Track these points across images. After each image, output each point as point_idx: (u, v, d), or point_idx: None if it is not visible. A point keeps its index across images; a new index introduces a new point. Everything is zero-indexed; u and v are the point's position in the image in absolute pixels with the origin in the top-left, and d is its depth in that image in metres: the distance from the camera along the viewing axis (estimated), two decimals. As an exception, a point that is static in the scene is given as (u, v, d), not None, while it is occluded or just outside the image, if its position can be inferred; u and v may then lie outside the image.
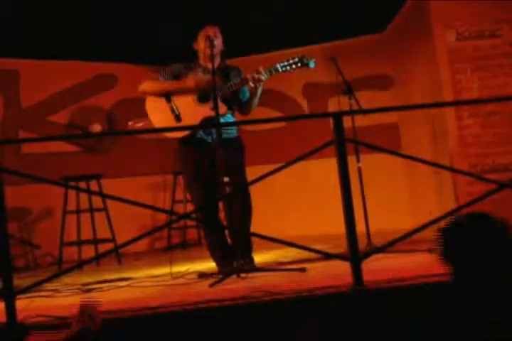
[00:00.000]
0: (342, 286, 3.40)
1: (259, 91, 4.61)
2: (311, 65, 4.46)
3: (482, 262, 2.32)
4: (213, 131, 4.48)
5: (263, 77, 4.43)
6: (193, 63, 4.78)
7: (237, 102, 4.72)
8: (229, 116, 4.68)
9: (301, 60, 4.45)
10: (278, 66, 4.44)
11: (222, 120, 4.54)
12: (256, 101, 4.69)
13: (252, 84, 4.48)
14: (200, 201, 4.72)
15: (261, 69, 4.43)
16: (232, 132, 4.70)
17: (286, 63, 4.44)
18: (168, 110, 4.63)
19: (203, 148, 4.57)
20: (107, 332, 3.11)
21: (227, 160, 4.37)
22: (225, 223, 4.53)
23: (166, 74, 4.75)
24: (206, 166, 4.57)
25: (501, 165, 5.70)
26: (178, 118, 4.59)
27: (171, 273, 4.60)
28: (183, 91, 4.61)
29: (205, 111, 4.49)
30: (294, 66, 4.45)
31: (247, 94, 4.69)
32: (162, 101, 4.66)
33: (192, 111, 4.57)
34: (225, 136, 4.56)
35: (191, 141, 4.62)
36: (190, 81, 4.59)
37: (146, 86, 4.72)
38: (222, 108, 4.49)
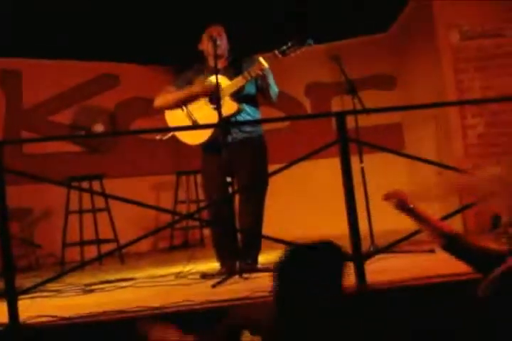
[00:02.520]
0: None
1: (270, 79, 4.57)
2: (309, 42, 4.41)
3: None
4: (231, 130, 4.46)
5: (263, 65, 4.39)
6: (202, 65, 4.77)
7: (258, 92, 4.69)
8: (249, 111, 4.62)
9: (298, 41, 4.40)
10: (276, 52, 4.40)
11: (239, 117, 4.53)
12: (274, 89, 4.63)
13: (254, 75, 4.44)
14: (212, 200, 4.71)
15: (260, 58, 4.41)
16: (253, 130, 4.64)
17: (284, 47, 4.40)
18: (185, 118, 4.63)
19: (222, 149, 4.51)
20: (108, 332, 3.11)
21: (243, 160, 4.37)
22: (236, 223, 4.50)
23: (179, 82, 4.75)
24: (224, 166, 4.51)
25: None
26: (196, 123, 4.59)
27: (179, 273, 4.61)
28: (195, 98, 4.61)
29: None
30: (292, 49, 4.38)
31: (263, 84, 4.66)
32: (178, 110, 4.67)
33: (207, 114, 4.55)
34: (245, 135, 4.55)
35: (212, 145, 4.59)
36: (196, 87, 4.59)
37: (159, 102, 4.74)
38: (233, 106, 4.47)
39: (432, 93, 6.37)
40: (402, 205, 2.99)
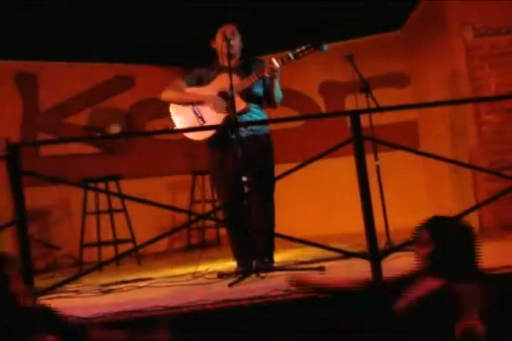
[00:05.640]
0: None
1: (276, 82, 4.58)
2: (325, 47, 4.40)
3: None
4: (239, 128, 4.48)
5: (275, 66, 4.40)
6: (213, 63, 4.79)
7: (265, 96, 4.71)
8: (256, 111, 4.64)
9: (313, 45, 4.40)
10: (290, 54, 4.40)
11: (246, 116, 4.55)
12: (278, 93, 4.66)
13: (267, 75, 4.46)
14: (224, 199, 4.73)
15: (273, 59, 4.42)
16: (259, 129, 4.65)
17: (298, 50, 4.40)
18: (191, 112, 4.65)
19: (228, 146, 4.53)
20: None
21: (249, 159, 4.38)
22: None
23: (189, 78, 4.78)
24: (231, 164, 4.53)
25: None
26: (201, 119, 4.61)
27: (195, 273, 4.63)
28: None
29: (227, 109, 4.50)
30: (306, 52, 4.39)
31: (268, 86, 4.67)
32: (185, 104, 4.71)
33: (214, 111, 4.59)
34: (250, 133, 4.57)
35: (217, 141, 4.62)
36: (203, 99, 4.62)
37: (168, 96, 4.78)
38: (242, 104, 4.48)
39: (447, 90, 6.35)
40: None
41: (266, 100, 4.73)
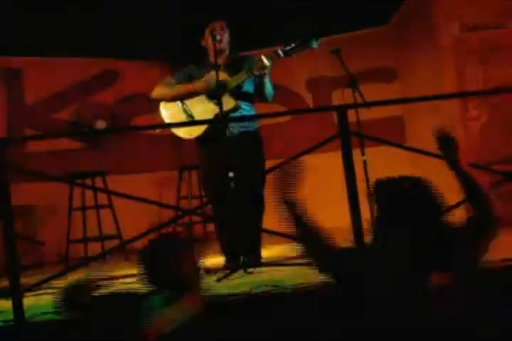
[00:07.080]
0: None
1: (267, 79, 4.57)
2: (314, 45, 4.40)
3: None
4: (229, 124, 4.47)
5: (265, 64, 4.39)
6: (203, 61, 4.76)
7: (256, 93, 4.70)
8: (246, 108, 4.63)
9: (302, 43, 4.40)
10: (280, 51, 4.40)
11: (237, 114, 4.54)
12: (270, 90, 4.64)
13: (257, 73, 4.44)
14: (213, 195, 4.72)
15: (263, 57, 4.40)
16: (250, 125, 4.65)
17: (288, 48, 4.40)
18: (181, 112, 4.64)
19: (219, 143, 4.50)
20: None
21: (240, 155, 4.37)
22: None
23: (179, 76, 4.76)
24: (222, 161, 4.52)
25: (507, 156, 5.68)
26: (191, 118, 4.60)
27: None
28: (195, 94, 4.62)
29: (216, 107, 4.47)
30: (295, 49, 4.39)
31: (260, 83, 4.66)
32: (175, 104, 4.69)
33: (204, 109, 4.57)
34: (242, 129, 4.56)
35: (208, 138, 4.60)
36: (199, 83, 4.59)
37: (158, 93, 4.75)
38: (231, 103, 4.47)
39: (434, 85, 6.36)
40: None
41: (257, 97, 4.72)
